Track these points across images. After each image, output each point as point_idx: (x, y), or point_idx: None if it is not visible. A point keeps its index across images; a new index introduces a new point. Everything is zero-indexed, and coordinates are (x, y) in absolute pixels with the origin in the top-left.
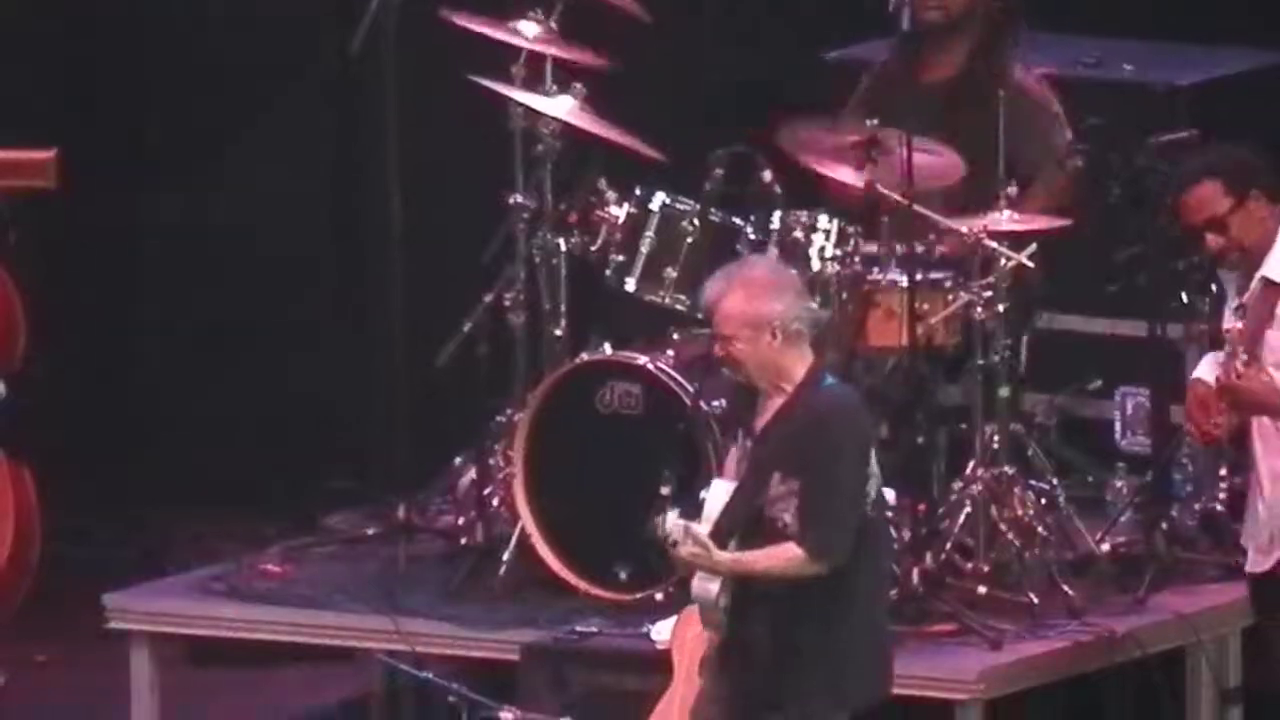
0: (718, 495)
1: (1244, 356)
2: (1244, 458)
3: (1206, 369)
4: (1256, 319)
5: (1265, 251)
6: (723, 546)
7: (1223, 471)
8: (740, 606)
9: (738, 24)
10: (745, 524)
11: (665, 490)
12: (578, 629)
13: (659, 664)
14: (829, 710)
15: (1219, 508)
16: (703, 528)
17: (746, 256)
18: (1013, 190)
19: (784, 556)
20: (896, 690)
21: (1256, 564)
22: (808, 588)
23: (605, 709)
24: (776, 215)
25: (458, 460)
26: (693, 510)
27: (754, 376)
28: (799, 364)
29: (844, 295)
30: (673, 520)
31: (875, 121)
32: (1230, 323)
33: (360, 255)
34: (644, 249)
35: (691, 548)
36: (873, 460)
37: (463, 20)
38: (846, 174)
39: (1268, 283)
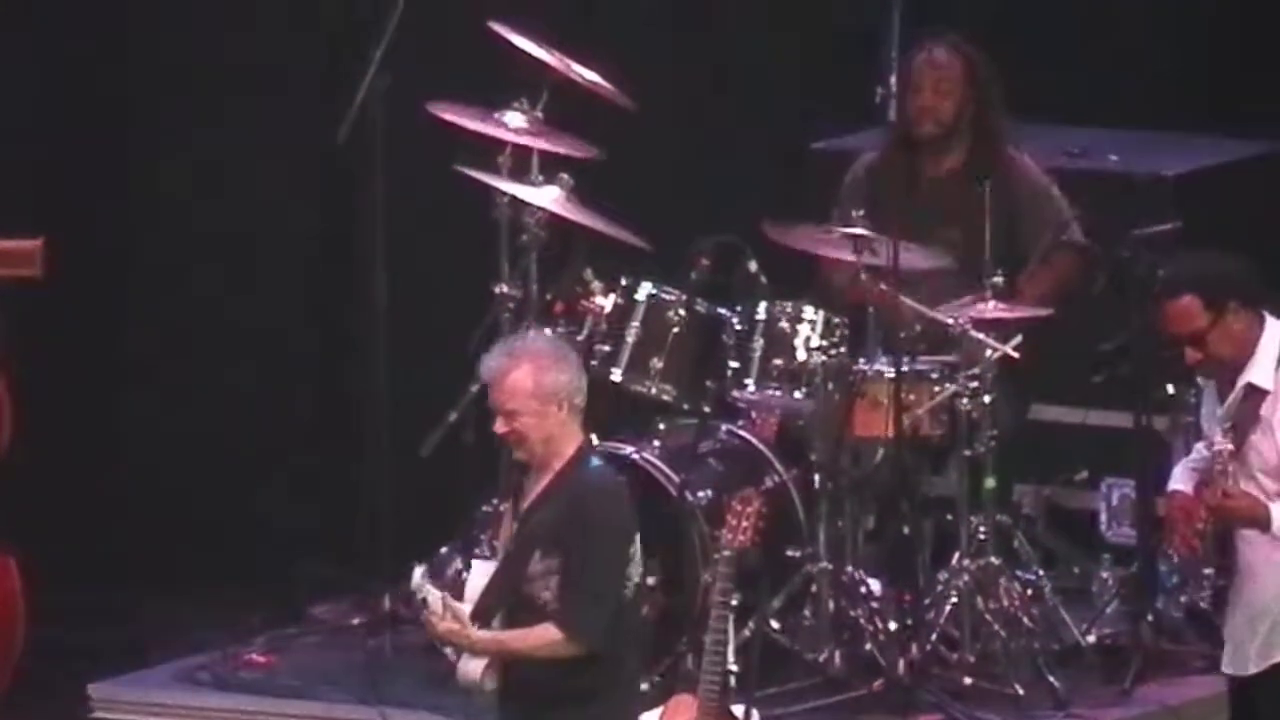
0: (479, 574)
1: (1231, 478)
2: (1226, 558)
3: (1183, 478)
4: (1242, 424)
5: (1245, 360)
6: (485, 625)
7: (1207, 571)
8: (506, 687)
9: (725, 112)
10: (507, 602)
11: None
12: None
13: None
14: None
15: (1204, 601)
16: (464, 606)
17: (525, 331)
18: (999, 280)
19: (542, 637)
20: None
21: (1228, 664)
22: (570, 670)
23: None
24: (763, 305)
25: (443, 550)
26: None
27: (535, 452)
28: (572, 441)
29: (830, 385)
30: (428, 587)
31: (861, 214)
32: (1220, 442)
33: (346, 343)
34: (630, 339)
35: (450, 623)
36: (635, 543)
37: (448, 114)
38: (843, 253)
39: (1251, 388)
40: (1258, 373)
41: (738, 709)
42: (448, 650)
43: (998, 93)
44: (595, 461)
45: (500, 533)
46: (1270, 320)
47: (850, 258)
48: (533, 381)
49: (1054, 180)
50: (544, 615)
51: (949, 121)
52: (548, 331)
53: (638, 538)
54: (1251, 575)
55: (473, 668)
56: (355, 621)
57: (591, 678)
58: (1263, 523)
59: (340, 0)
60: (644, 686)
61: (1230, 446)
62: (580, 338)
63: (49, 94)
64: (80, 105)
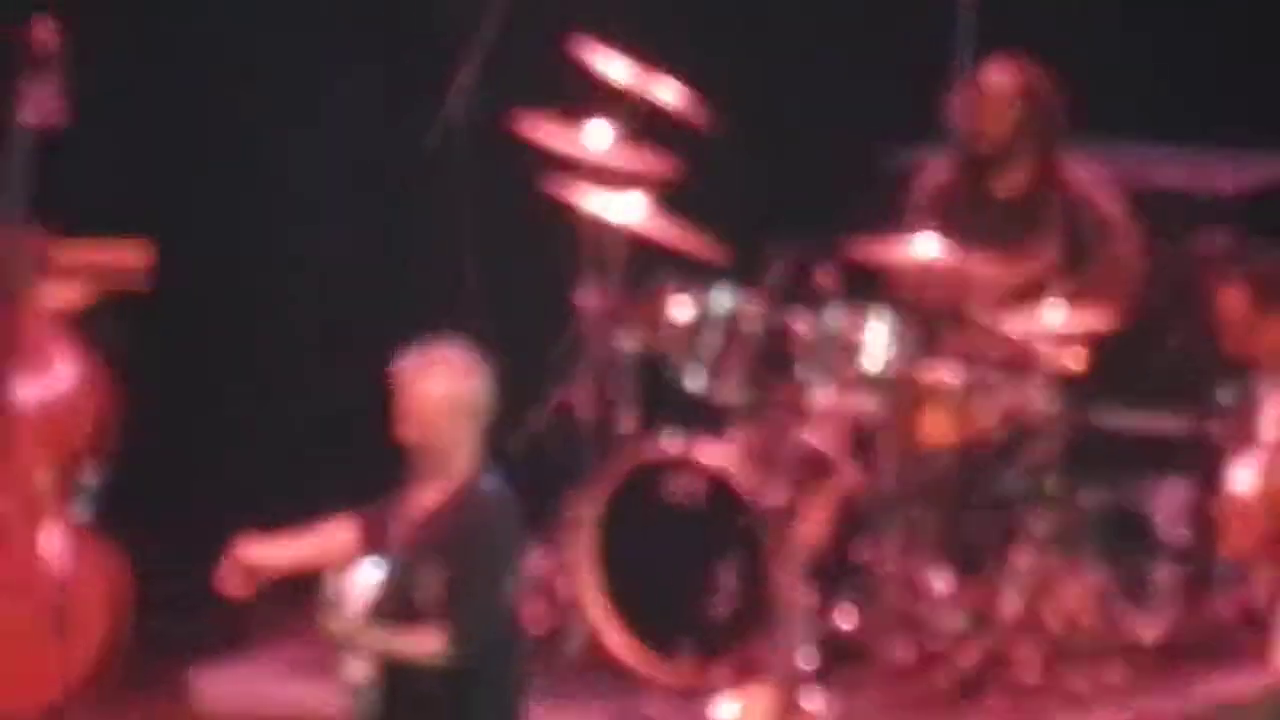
0: (367, 575)
1: (1271, 463)
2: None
3: (1241, 481)
4: None
5: None
6: (374, 625)
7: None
8: (390, 691)
9: (799, 126)
10: (395, 606)
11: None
12: (644, 709)
13: None
14: None
15: (1259, 601)
16: (354, 606)
17: (435, 341)
18: (1061, 294)
19: (425, 642)
20: None
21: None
22: (451, 676)
23: None
24: (834, 313)
25: (529, 548)
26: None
27: (436, 459)
28: (472, 454)
29: (898, 392)
30: (335, 584)
31: (938, 234)
32: (1273, 433)
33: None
34: (706, 347)
35: (342, 623)
36: (519, 560)
37: (534, 131)
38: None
39: None
40: None
41: (810, 699)
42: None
43: (1059, 113)
44: (492, 478)
45: (384, 535)
46: None
47: (925, 268)
48: (444, 390)
49: (1119, 196)
50: (426, 620)
51: (1002, 142)
52: (459, 343)
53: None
54: None
55: (359, 668)
56: None
57: (467, 687)
58: None
59: (424, 21)
60: (719, 677)
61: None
62: (658, 346)
63: (168, 105)
64: (188, 115)
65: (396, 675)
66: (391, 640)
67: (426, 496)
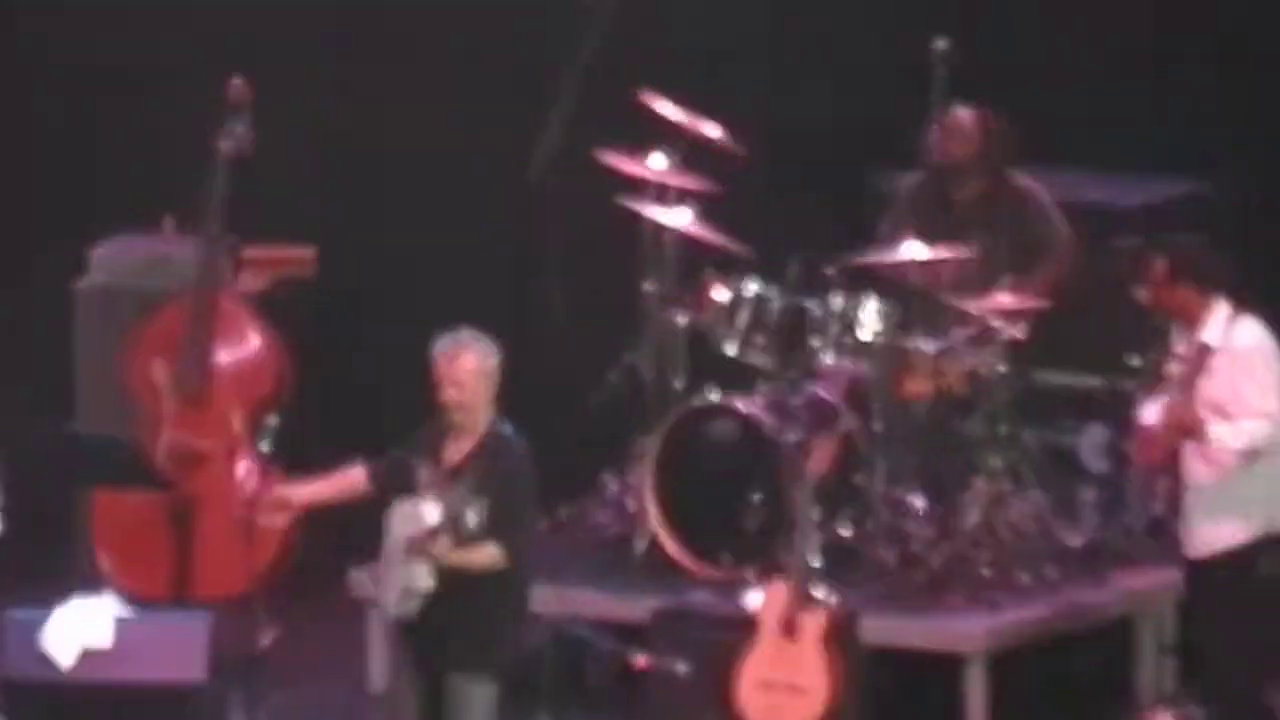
0: (429, 509)
1: (1178, 396)
2: (1179, 474)
3: (1149, 414)
4: (1193, 370)
5: (1194, 321)
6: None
7: (1162, 486)
8: (442, 591)
9: (810, 155)
10: (451, 531)
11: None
12: (691, 599)
13: (750, 625)
14: (495, 665)
15: (1159, 512)
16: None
17: (461, 329)
18: (1009, 280)
19: (486, 553)
20: (921, 645)
21: (1186, 549)
22: (493, 578)
23: (711, 657)
24: (836, 299)
25: (606, 476)
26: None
27: (467, 419)
28: (490, 412)
29: (887, 357)
30: (435, 519)
31: (914, 233)
32: (1173, 370)
33: (536, 323)
34: (740, 323)
35: (447, 551)
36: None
37: (610, 158)
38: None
39: (1203, 346)
40: (1209, 334)
41: (817, 590)
42: (403, 562)
43: (1006, 142)
44: (508, 428)
45: (423, 479)
46: (1220, 302)
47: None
48: (474, 366)
49: (1055, 206)
50: (475, 540)
51: (963, 163)
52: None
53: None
54: (1192, 474)
55: (420, 572)
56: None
57: (503, 586)
58: (1200, 434)
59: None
60: (750, 575)
61: (1189, 378)
62: (704, 321)
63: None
64: (342, 150)
65: (452, 581)
66: (466, 554)
67: (459, 447)
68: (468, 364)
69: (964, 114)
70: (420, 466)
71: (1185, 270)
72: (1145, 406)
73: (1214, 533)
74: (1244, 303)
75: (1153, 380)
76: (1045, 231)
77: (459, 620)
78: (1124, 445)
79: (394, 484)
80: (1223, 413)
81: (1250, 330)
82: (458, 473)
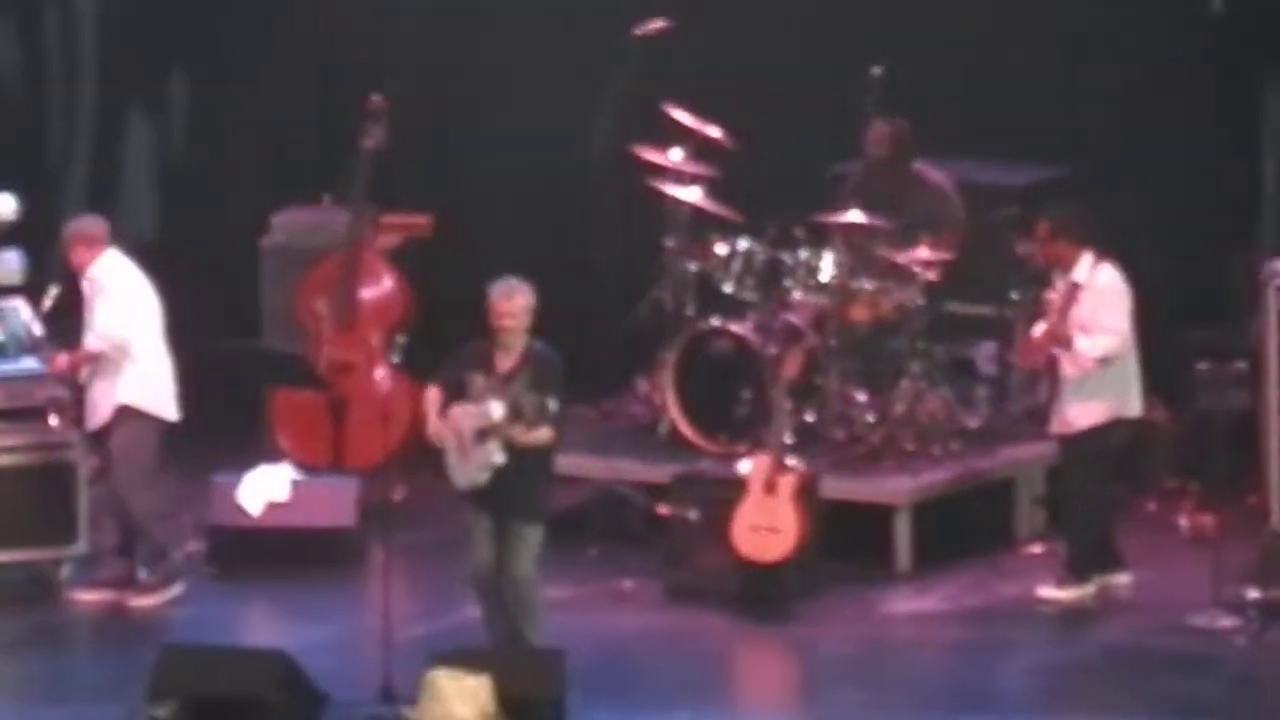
0: (496, 407)
1: (1055, 318)
2: (1052, 374)
3: (1034, 332)
4: (1065, 301)
5: (1068, 266)
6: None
7: (1039, 382)
8: (509, 463)
9: (785, 150)
10: (515, 419)
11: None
12: (699, 466)
13: (742, 485)
14: (543, 514)
15: (1037, 402)
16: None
17: (508, 277)
18: (925, 237)
19: (545, 434)
20: (858, 498)
21: (1055, 428)
22: (543, 451)
23: (714, 509)
24: (803, 251)
25: (638, 378)
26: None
27: (515, 341)
28: (527, 334)
29: (838, 293)
30: (499, 413)
31: (858, 204)
32: (1051, 300)
33: (589, 266)
34: (734, 269)
35: (524, 431)
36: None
37: (643, 152)
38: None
39: (1073, 284)
40: (1077, 274)
41: (790, 460)
42: (479, 442)
43: (909, 146)
44: (540, 344)
45: (474, 389)
46: (1087, 253)
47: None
48: (523, 302)
49: (951, 184)
50: (531, 425)
51: (885, 153)
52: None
53: None
54: (1064, 374)
55: (494, 450)
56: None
57: (548, 457)
58: (1066, 343)
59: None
60: (741, 449)
61: (1056, 301)
62: (708, 268)
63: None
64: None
65: (516, 455)
66: (533, 435)
67: (507, 360)
68: (519, 302)
69: (881, 126)
70: (474, 377)
71: (1060, 230)
72: (1033, 327)
73: (1077, 415)
74: (1103, 252)
75: (1029, 309)
76: (944, 206)
77: (516, 483)
78: (1008, 356)
79: (453, 394)
80: (1086, 331)
81: (1108, 273)
82: (509, 378)
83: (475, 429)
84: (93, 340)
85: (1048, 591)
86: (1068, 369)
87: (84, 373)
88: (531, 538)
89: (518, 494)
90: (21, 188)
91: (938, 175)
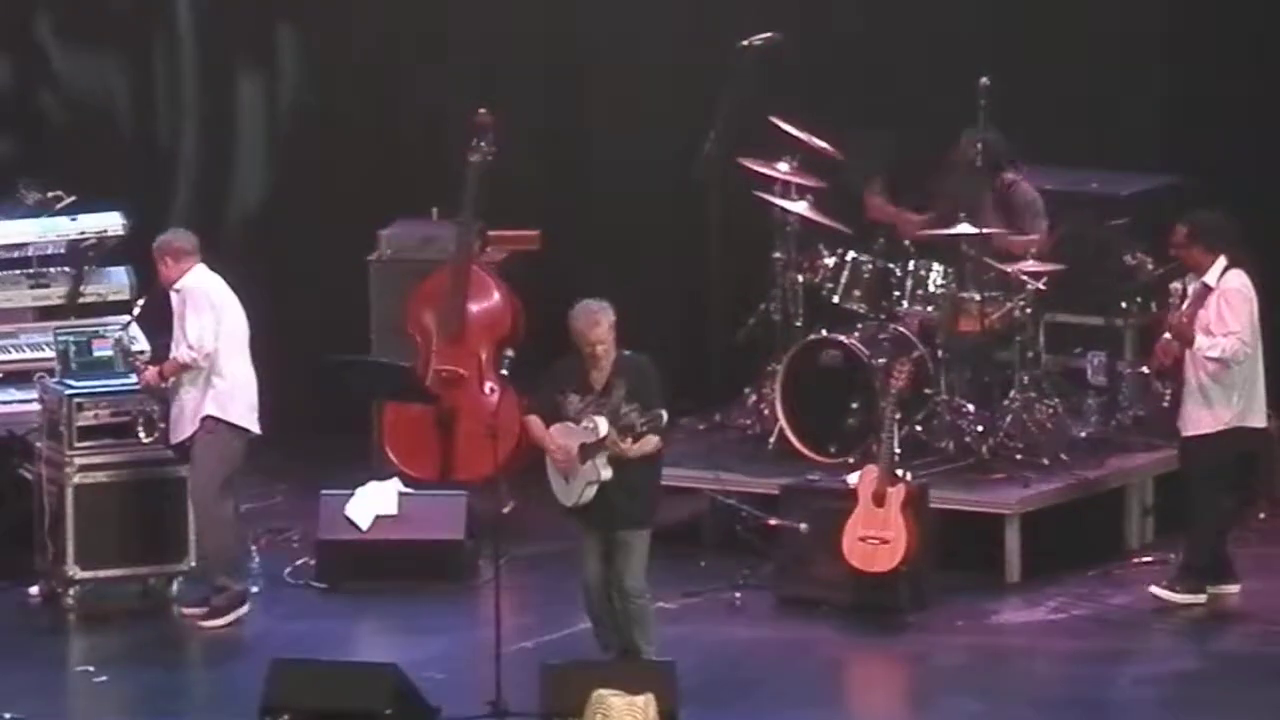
0: (599, 422)
1: (1185, 318)
2: (1178, 378)
3: (1165, 339)
4: (1196, 303)
5: (1202, 270)
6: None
7: (1167, 388)
8: (614, 475)
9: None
10: (620, 432)
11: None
12: (809, 477)
13: (851, 496)
14: (652, 519)
15: (1142, 414)
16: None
17: (588, 300)
18: (1034, 249)
19: (652, 442)
20: (968, 508)
21: (1183, 428)
22: (650, 460)
23: (824, 520)
24: (911, 263)
25: (747, 390)
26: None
27: (605, 364)
28: (617, 347)
29: (947, 304)
30: (605, 428)
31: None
32: (1182, 302)
33: (701, 275)
34: (842, 279)
35: (631, 444)
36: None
37: (751, 163)
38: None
39: (1204, 285)
40: (1208, 277)
41: (899, 471)
42: (583, 460)
43: (999, 156)
44: (628, 352)
45: (569, 408)
46: (1220, 257)
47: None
48: (608, 324)
49: (1058, 197)
50: (636, 435)
51: (970, 169)
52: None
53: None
54: (1197, 374)
55: (601, 465)
56: (700, 427)
57: (652, 462)
58: (1189, 339)
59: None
60: (850, 461)
61: (1184, 308)
62: (816, 279)
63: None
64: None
65: (622, 467)
66: (641, 446)
67: (599, 375)
68: (605, 326)
69: (968, 140)
70: (569, 396)
71: (1197, 233)
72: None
73: (1200, 419)
74: (1236, 259)
75: (1139, 319)
76: (1031, 212)
77: (622, 494)
78: (1118, 365)
79: (549, 417)
80: (1209, 332)
81: (1236, 278)
82: (606, 392)
83: (581, 445)
84: (182, 352)
85: (1160, 591)
86: (1192, 372)
87: (170, 384)
88: (640, 545)
89: (624, 503)
90: (130, 205)
91: (1026, 185)
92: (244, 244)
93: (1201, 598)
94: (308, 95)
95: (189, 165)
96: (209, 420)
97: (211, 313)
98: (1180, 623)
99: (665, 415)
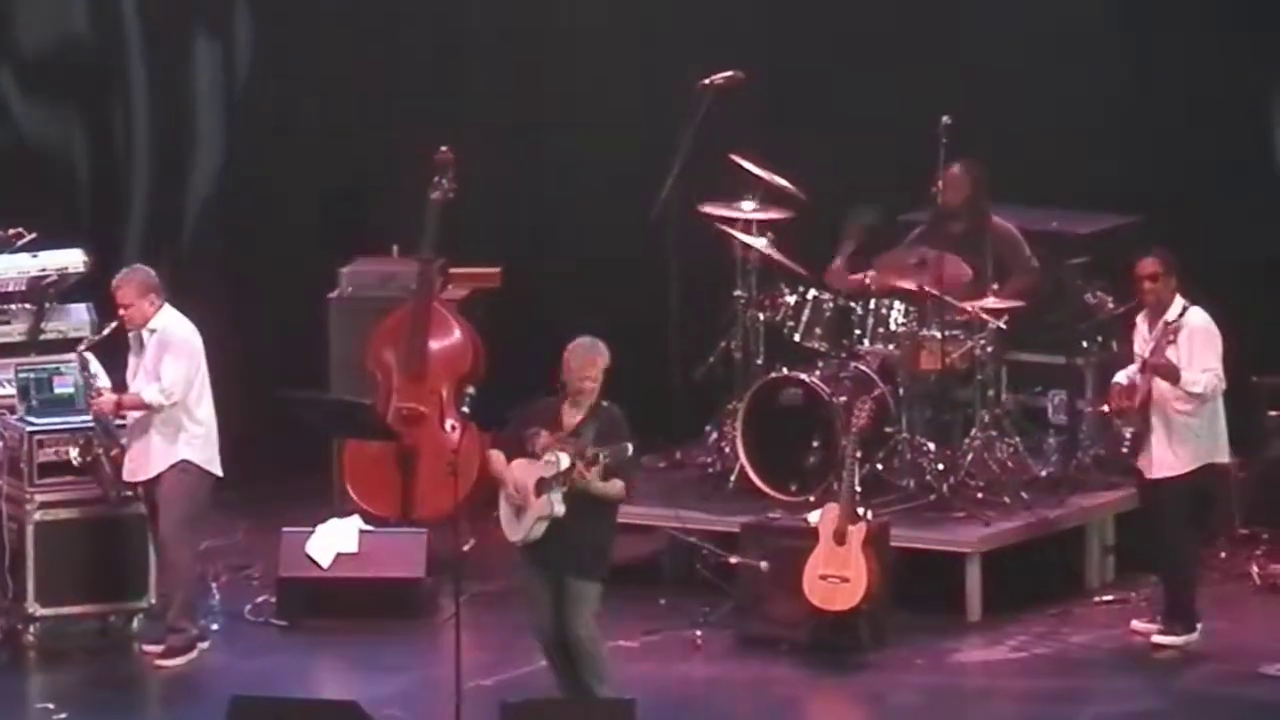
0: (561, 459)
1: (1151, 356)
2: (1143, 418)
3: (1121, 378)
4: (1163, 339)
5: (1167, 307)
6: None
7: (1128, 430)
8: (569, 517)
9: (849, 197)
10: (582, 467)
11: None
12: (769, 515)
13: (812, 534)
14: (603, 571)
15: (1103, 453)
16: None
17: (590, 338)
18: (995, 286)
19: (617, 486)
20: (929, 547)
21: (1148, 472)
22: (604, 504)
23: (784, 558)
24: (872, 301)
25: (708, 428)
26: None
27: (584, 404)
28: (598, 395)
29: (908, 342)
30: (566, 462)
31: (927, 250)
32: (1143, 346)
33: (662, 313)
34: (804, 318)
35: (592, 475)
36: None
37: (710, 209)
38: (908, 282)
39: (1167, 323)
40: (1171, 314)
41: (860, 509)
42: (537, 494)
43: (986, 190)
44: (606, 403)
45: (536, 442)
46: (1177, 295)
47: (912, 274)
48: (605, 362)
49: (1021, 234)
50: (599, 466)
51: (959, 202)
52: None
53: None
54: (1164, 415)
55: (555, 501)
56: (660, 465)
57: (611, 510)
58: (1175, 377)
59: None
60: (811, 499)
61: (1152, 345)
62: (777, 318)
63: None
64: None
65: (578, 508)
66: (603, 486)
67: (573, 416)
68: (600, 365)
69: (957, 169)
70: (537, 432)
71: (1169, 269)
72: (1121, 374)
73: (1173, 461)
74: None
75: (1100, 357)
76: (1014, 253)
77: (574, 537)
78: (1078, 404)
79: (512, 454)
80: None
81: (1200, 315)
82: (575, 432)
83: (537, 479)
84: (152, 394)
85: (1161, 639)
86: (1168, 410)
87: (128, 419)
88: (589, 594)
89: (575, 549)
90: (90, 242)
91: (1006, 223)
92: (202, 281)
93: (1195, 636)
94: (267, 131)
95: (145, 202)
96: (185, 463)
97: (190, 361)
98: (1141, 662)
99: (630, 449)
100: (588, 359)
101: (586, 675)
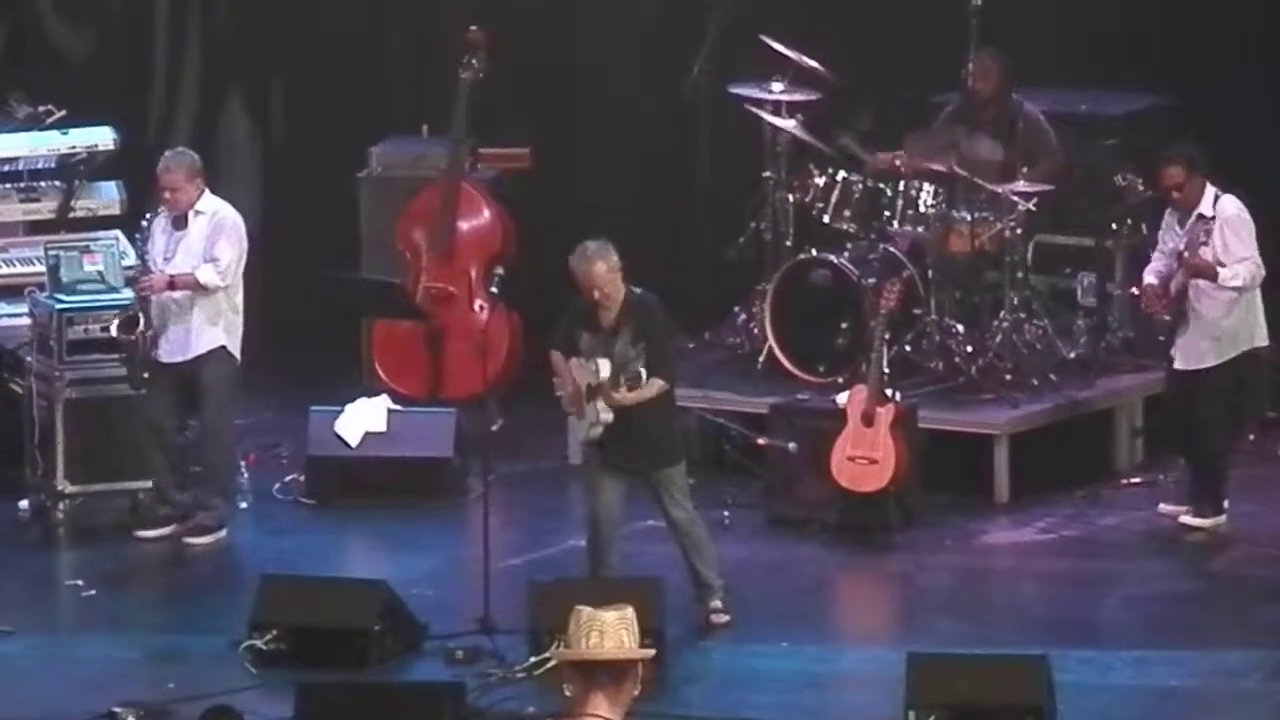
0: (604, 365)
1: (1188, 254)
2: (1179, 310)
3: (1150, 275)
4: (1195, 238)
5: (1196, 204)
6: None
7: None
8: (628, 420)
9: (886, 80)
10: (621, 378)
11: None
12: (798, 397)
13: (840, 416)
14: (678, 453)
15: (1133, 335)
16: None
17: (587, 242)
18: (1025, 169)
19: (656, 386)
20: (961, 429)
21: (1181, 363)
22: (658, 403)
23: (813, 440)
24: (902, 183)
25: (736, 309)
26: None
27: (612, 305)
28: (623, 287)
29: (937, 224)
30: (606, 372)
31: (957, 130)
32: (1179, 241)
33: (698, 196)
34: (833, 199)
35: (626, 393)
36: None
37: (740, 89)
38: (938, 163)
39: (1200, 217)
40: (1204, 208)
41: (888, 391)
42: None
43: (1013, 78)
44: (639, 290)
45: (583, 343)
46: (1209, 186)
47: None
48: (606, 267)
49: (1048, 119)
50: (630, 386)
51: (989, 91)
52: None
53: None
54: (1199, 309)
55: (601, 408)
56: (690, 345)
57: (668, 401)
58: (1212, 275)
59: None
60: (840, 380)
61: (1185, 241)
62: (806, 199)
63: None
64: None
65: (631, 411)
66: (643, 391)
67: (608, 314)
68: (601, 270)
69: (988, 60)
70: (582, 334)
71: (1193, 168)
72: (1149, 270)
73: (1215, 351)
74: (1216, 184)
75: (1129, 240)
76: (1040, 139)
77: (637, 435)
78: (1108, 287)
79: (568, 352)
80: (1219, 263)
81: (1233, 204)
82: (613, 333)
83: (586, 385)
84: (209, 275)
85: (1190, 520)
86: (1197, 306)
87: (177, 296)
88: (674, 477)
89: (643, 446)
90: (121, 119)
91: (1034, 108)
92: (233, 161)
93: (1223, 519)
94: (300, 12)
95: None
96: (224, 350)
97: (240, 245)
98: (1169, 544)
99: (649, 378)
100: (584, 271)
101: (693, 558)
